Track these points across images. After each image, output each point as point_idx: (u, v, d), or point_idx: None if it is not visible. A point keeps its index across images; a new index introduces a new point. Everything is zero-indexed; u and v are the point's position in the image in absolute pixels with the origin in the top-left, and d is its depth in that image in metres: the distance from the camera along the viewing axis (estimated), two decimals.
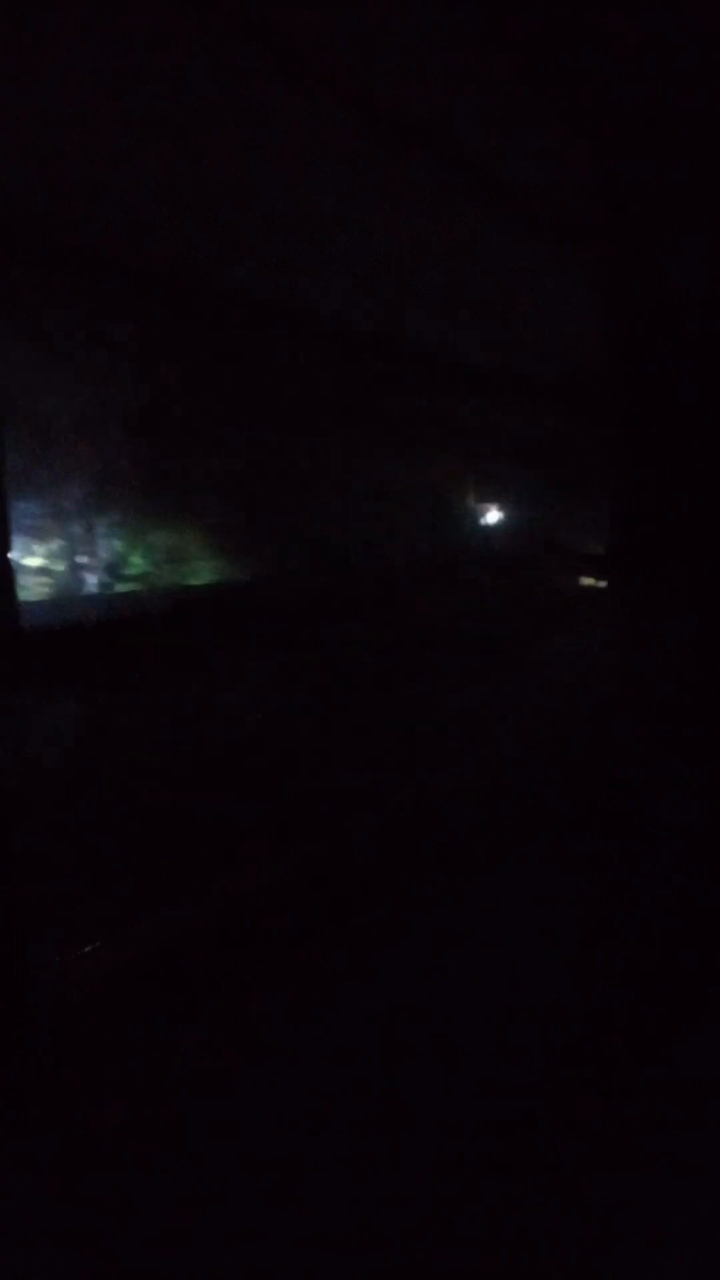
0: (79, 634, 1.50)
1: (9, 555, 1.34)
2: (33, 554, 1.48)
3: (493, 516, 2.69)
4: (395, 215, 2.20)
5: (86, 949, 1.50)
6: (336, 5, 1.92)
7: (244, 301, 1.88)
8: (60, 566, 1.53)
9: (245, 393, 1.89)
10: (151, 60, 1.62)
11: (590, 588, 2.96)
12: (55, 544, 1.52)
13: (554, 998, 1.85)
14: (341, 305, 2.12)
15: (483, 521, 2.66)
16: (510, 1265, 1.33)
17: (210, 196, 1.77)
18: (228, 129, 1.78)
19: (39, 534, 1.49)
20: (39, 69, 1.46)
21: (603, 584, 2.97)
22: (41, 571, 1.51)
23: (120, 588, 1.64)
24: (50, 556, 1.52)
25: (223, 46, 1.74)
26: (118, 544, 1.62)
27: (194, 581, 1.78)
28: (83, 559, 1.57)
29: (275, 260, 1.93)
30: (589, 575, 2.96)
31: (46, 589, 1.52)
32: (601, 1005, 1.85)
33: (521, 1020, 1.77)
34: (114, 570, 1.62)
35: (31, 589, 1.47)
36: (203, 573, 1.80)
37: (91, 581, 1.59)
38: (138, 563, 1.66)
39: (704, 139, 2.58)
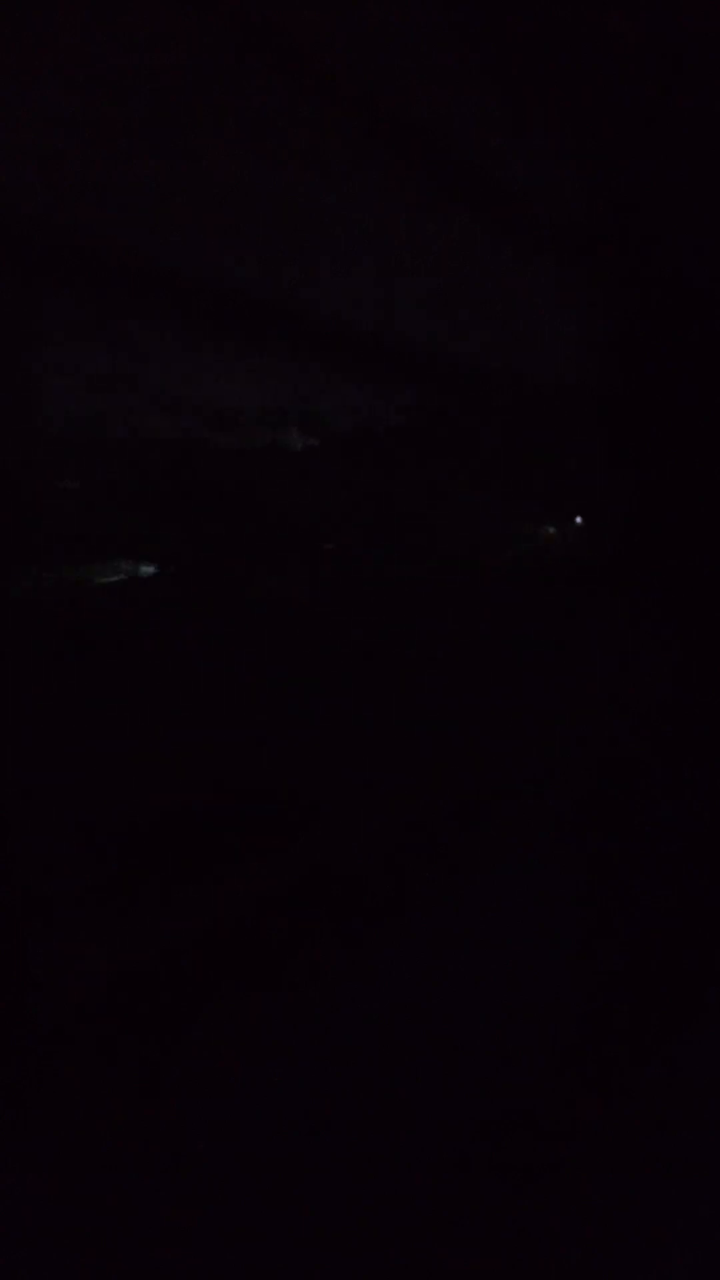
0: None
1: None
2: None
3: (492, 520, 2.69)
4: (392, 218, 2.21)
5: (87, 947, 1.50)
6: (334, 4, 1.92)
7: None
8: None
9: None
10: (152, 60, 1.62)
11: (587, 590, 2.96)
12: None
13: (554, 998, 1.85)
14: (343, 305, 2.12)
15: (482, 524, 2.67)
16: (510, 1265, 1.33)
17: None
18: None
19: None
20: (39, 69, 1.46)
21: (600, 586, 2.97)
22: None
23: None
24: None
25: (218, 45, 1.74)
26: None
27: None
28: None
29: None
30: (586, 578, 2.96)
31: None
32: (601, 1005, 1.86)
33: (522, 1020, 1.77)
34: None
35: None
36: None
37: None
38: None
39: (703, 140, 2.58)
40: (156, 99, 1.65)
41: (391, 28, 2.05)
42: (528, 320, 2.72)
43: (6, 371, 1.53)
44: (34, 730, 1.45)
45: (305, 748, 1.97)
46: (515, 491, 2.77)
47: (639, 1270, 1.33)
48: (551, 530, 2.90)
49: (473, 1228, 1.37)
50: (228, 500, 1.95)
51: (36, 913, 1.41)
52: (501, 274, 2.60)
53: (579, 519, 2.98)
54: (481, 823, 2.28)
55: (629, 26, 2.23)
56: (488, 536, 2.71)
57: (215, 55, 1.73)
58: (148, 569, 1.78)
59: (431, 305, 2.39)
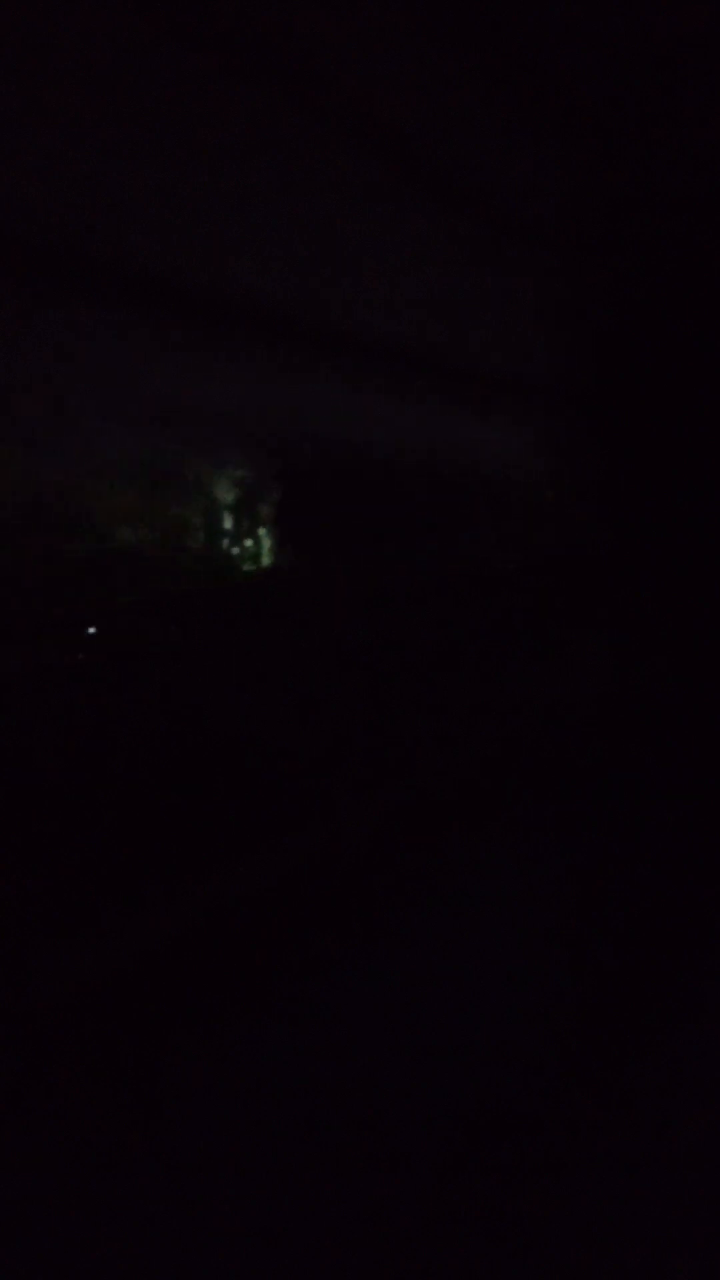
0: None
1: None
2: None
3: (485, 523, 2.70)
4: (383, 222, 2.22)
5: (86, 947, 1.51)
6: (325, 11, 1.93)
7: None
8: None
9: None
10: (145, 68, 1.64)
11: (578, 590, 2.96)
12: None
13: (554, 998, 1.85)
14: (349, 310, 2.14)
15: (475, 527, 2.67)
16: (510, 1265, 1.33)
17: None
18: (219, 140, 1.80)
19: None
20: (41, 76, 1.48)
21: (590, 586, 2.97)
22: None
23: None
24: None
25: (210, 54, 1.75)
26: None
27: None
28: None
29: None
30: (577, 578, 2.96)
31: None
32: (602, 1005, 1.85)
33: (521, 1020, 1.77)
34: None
35: None
36: None
37: None
38: None
39: (682, 144, 2.58)
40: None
41: (380, 34, 2.07)
42: (515, 319, 2.73)
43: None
44: (27, 731, 1.46)
45: (298, 743, 1.97)
46: (507, 490, 2.78)
47: (639, 1270, 1.32)
48: (542, 526, 2.90)
49: (471, 1227, 1.37)
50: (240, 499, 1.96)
51: (31, 912, 1.41)
52: (489, 275, 2.61)
53: (569, 516, 2.98)
54: (476, 820, 2.28)
55: (618, 28, 2.24)
56: (480, 534, 2.71)
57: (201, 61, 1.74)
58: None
59: (426, 308, 2.40)
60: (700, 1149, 1.50)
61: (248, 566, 2.01)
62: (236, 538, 1.99)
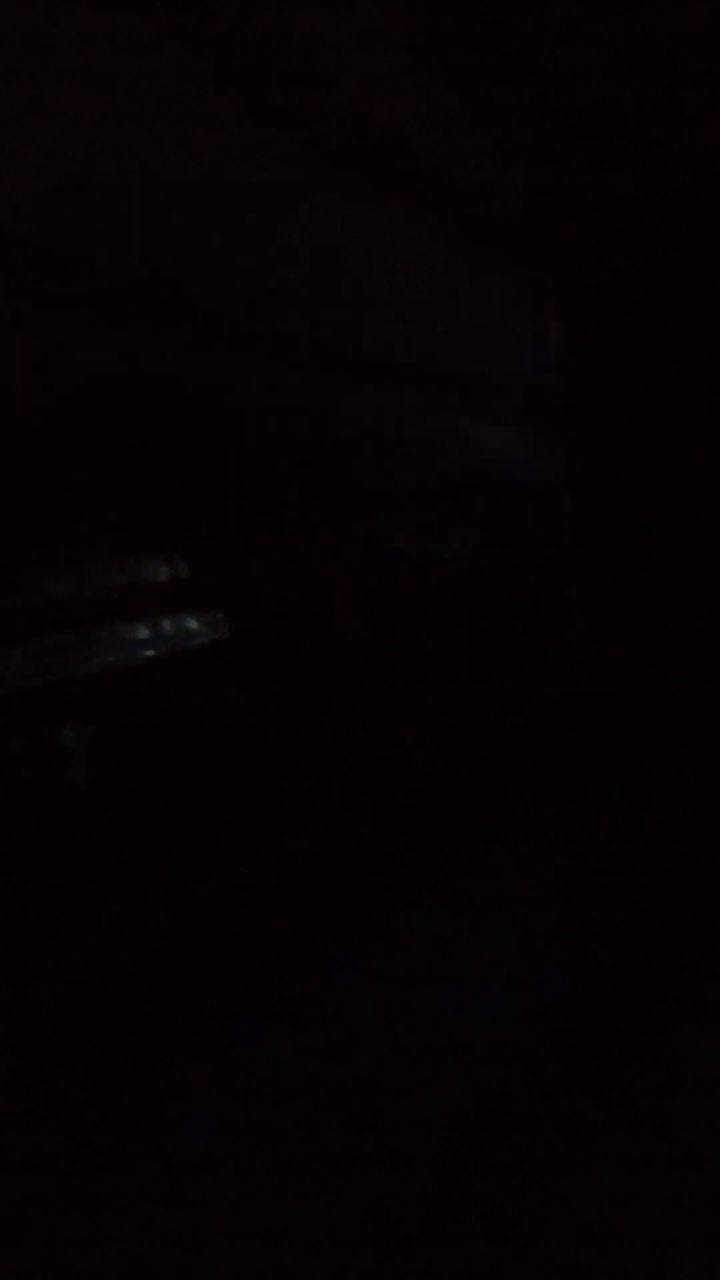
0: None
1: None
2: None
3: (485, 523, 2.70)
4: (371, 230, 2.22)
5: (83, 947, 1.51)
6: (325, 11, 1.93)
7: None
8: None
9: None
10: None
11: (577, 590, 2.96)
12: None
13: (554, 998, 1.85)
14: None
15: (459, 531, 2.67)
16: (510, 1265, 1.33)
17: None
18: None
19: None
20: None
21: (589, 586, 2.97)
22: None
23: None
24: None
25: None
26: None
27: None
28: None
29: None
30: (577, 578, 2.96)
31: None
32: (602, 1005, 1.85)
33: (521, 1020, 1.77)
34: None
35: None
36: None
37: None
38: None
39: (682, 144, 2.58)
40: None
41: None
42: (492, 322, 2.73)
43: None
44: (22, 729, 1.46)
45: (294, 742, 1.97)
46: (508, 490, 2.78)
47: (639, 1270, 1.32)
48: (542, 526, 2.90)
49: (471, 1227, 1.37)
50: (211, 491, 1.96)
51: (31, 912, 1.41)
52: (466, 281, 2.61)
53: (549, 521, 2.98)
54: (476, 820, 2.28)
55: (618, 28, 2.24)
56: (480, 534, 2.71)
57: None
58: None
59: (413, 314, 2.40)
60: (700, 1149, 1.50)
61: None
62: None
